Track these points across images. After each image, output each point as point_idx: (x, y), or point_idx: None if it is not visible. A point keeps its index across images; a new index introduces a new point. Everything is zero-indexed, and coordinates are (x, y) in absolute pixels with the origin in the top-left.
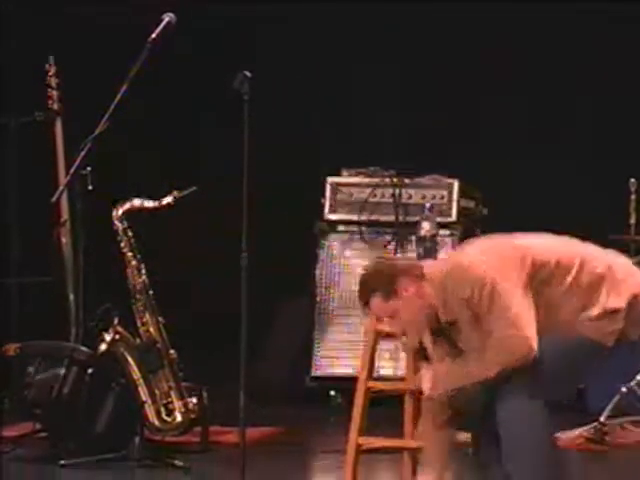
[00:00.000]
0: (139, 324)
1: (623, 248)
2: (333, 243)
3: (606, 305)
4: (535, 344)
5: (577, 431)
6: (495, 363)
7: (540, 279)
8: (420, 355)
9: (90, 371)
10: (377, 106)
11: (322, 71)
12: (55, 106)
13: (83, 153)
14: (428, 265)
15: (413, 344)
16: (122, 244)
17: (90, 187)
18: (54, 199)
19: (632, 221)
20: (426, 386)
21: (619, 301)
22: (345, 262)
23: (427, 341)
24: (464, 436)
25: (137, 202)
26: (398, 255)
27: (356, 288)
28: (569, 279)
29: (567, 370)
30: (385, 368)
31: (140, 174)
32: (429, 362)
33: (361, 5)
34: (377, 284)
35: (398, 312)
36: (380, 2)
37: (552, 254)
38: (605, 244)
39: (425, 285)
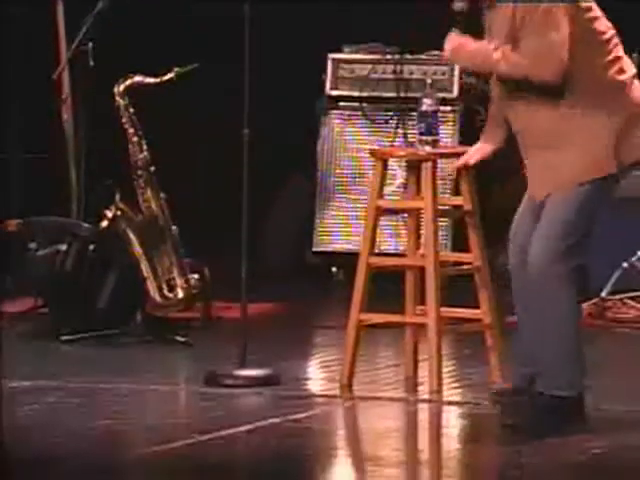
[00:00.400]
0: (140, 200)
1: None
2: (334, 120)
3: (604, 121)
4: (562, 71)
5: None
6: (526, 61)
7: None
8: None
9: (92, 247)
10: None
11: None
12: None
13: (84, 29)
14: None
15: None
16: (123, 120)
17: (92, 63)
18: (55, 75)
19: None
20: (448, 47)
21: (617, 121)
22: (346, 138)
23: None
24: None
25: (138, 78)
26: None
27: (357, 164)
28: (597, 61)
29: (586, 224)
30: (386, 244)
31: (142, 51)
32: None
33: None
34: None
35: None
36: None
37: (608, 30)
38: None
39: None
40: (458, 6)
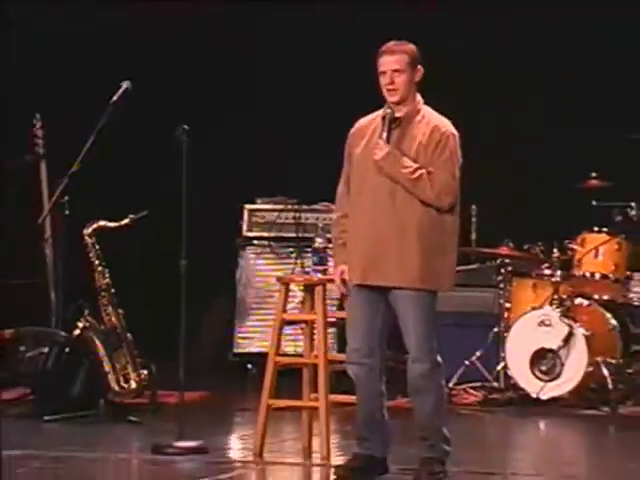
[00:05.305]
0: (104, 315)
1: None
2: (249, 254)
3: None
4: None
5: None
6: (434, 191)
7: None
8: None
9: (67, 350)
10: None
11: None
12: (40, 151)
13: (61, 186)
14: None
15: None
16: (91, 254)
17: (67, 212)
18: (40, 220)
19: (473, 237)
20: (380, 152)
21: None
22: (258, 267)
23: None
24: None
25: (102, 222)
26: None
27: (267, 287)
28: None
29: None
30: (289, 347)
31: (106, 201)
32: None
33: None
34: (413, 52)
35: (401, 76)
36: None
37: None
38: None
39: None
40: (389, 113)
